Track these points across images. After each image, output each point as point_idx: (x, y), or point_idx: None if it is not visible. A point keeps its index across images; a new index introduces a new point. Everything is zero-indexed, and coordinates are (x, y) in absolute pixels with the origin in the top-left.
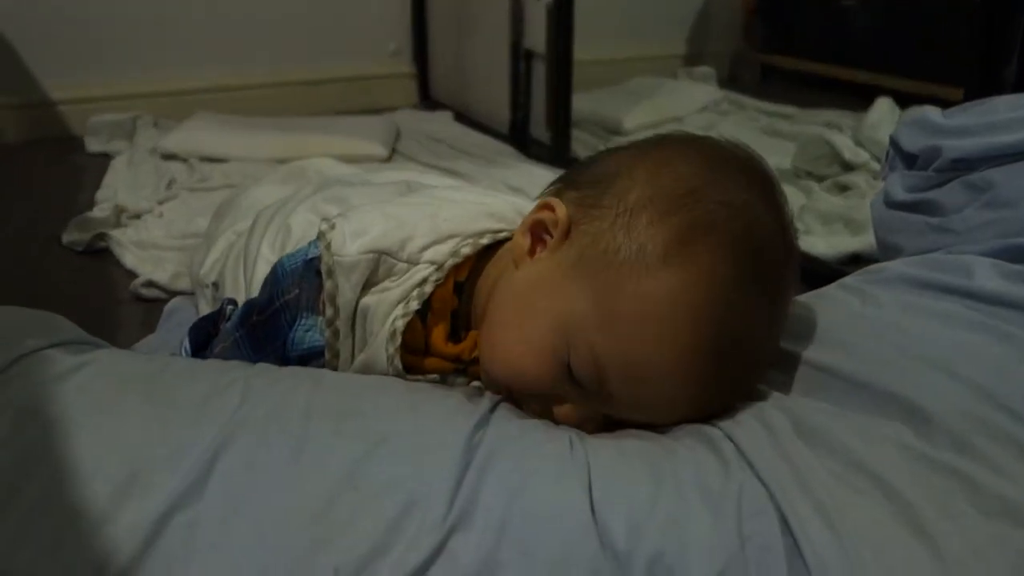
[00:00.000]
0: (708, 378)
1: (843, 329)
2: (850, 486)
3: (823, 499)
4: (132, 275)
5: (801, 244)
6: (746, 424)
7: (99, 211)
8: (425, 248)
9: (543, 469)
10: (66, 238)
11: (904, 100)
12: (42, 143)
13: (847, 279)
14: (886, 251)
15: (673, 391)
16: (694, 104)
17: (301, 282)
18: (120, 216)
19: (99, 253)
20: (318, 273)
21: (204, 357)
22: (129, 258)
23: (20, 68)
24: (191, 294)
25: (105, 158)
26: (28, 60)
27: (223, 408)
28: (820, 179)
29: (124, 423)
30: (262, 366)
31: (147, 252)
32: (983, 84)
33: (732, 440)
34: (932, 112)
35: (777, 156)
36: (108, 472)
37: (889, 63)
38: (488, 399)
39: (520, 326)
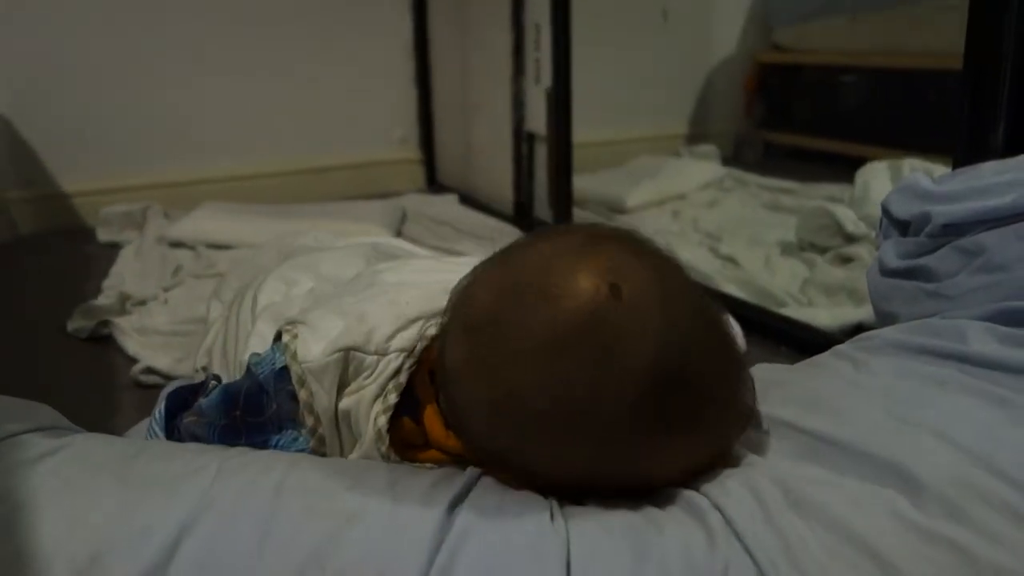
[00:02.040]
0: None
1: (836, 395)
2: (843, 560)
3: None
4: (134, 361)
5: (804, 316)
6: (736, 494)
7: (104, 298)
8: (391, 336)
9: (520, 547)
10: (71, 325)
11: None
12: (55, 234)
13: (841, 347)
14: (883, 319)
15: None
16: (697, 181)
17: (276, 396)
18: (125, 303)
19: (103, 340)
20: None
21: (172, 424)
22: (131, 344)
23: (35, 162)
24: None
25: (115, 248)
26: (42, 155)
27: (193, 488)
28: (823, 251)
29: (91, 504)
30: (240, 448)
31: (149, 338)
32: (971, 151)
33: (720, 511)
34: (922, 178)
35: (780, 230)
36: (70, 553)
37: (887, 136)
38: (471, 472)
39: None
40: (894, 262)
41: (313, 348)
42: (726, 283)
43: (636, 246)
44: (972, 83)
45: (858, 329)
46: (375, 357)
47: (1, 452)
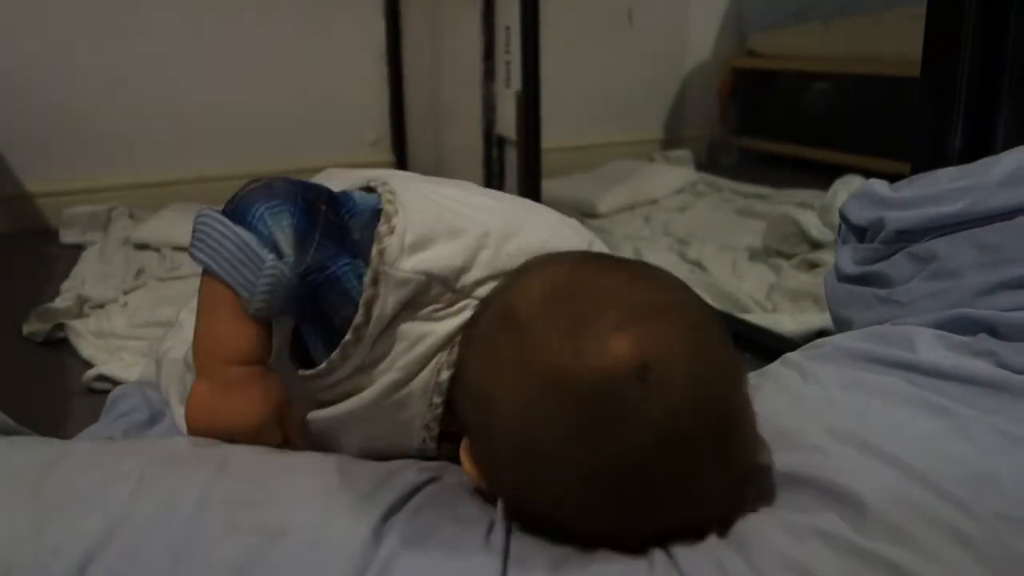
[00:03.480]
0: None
1: (782, 413)
2: None
3: None
4: (89, 365)
5: (768, 322)
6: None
7: (61, 301)
8: (480, 283)
9: (450, 569)
10: (26, 328)
11: (878, 178)
12: (18, 236)
13: (791, 355)
14: (839, 325)
15: None
16: (670, 186)
17: (363, 229)
18: (83, 306)
19: (59, 344)
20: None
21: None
22: (86, 348)
23: None
24: (146, 383)
25: (79, 250)
26: (7, 155)
27: (110, 502)
28: (789, 257)
29: (2, 520)
30: (165, 448)
31: (105, 341)
32: (929, 157)
33: (663, 546)
34: (878, 185)
35: (750, 236)
36: None
37: (859, 142)
38: (414, 474)
39: None
40: (850, 268)
41: (404, 258)
42: (693, 287)
43: (678, 311)
44: (929, 88)
45: (821, 335)
46: (453, 295)
47: None
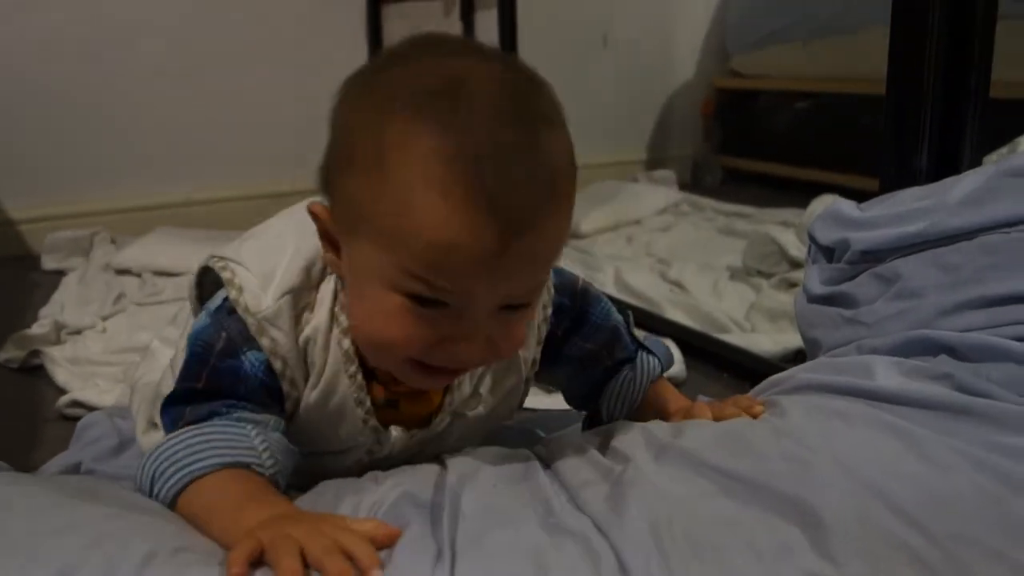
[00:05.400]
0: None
1: (746, 432)
2: None
3: None
4: (64, 391)
5: (746, 343)
6: (635, 535)
7: (38, 327)
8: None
9: None
10: (1, 356)
11: (859, 197)
12: (0, 262)
13: (755, 389)
14: (809, 346)
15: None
16: (652, 207)
17: (219, 328)
18: (59, 332)
19: (35, 370)
20: (229, 312)
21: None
22: (61, 375)
23: None
24: (116, 410)
25: (60, 275)
26: None
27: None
28: (769, 276)
29: None
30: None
31: (80, 368)
32: (896, 176)
33: (617, 554)
34: (845, 205)
35: (731, 255)
36: None
37: (841, 161)
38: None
39: (364, 305)
40: (818, 288)
41: (262, 296)
42: (672, 308)
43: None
44: (895, 106)
45: (799, 354)
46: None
47: None
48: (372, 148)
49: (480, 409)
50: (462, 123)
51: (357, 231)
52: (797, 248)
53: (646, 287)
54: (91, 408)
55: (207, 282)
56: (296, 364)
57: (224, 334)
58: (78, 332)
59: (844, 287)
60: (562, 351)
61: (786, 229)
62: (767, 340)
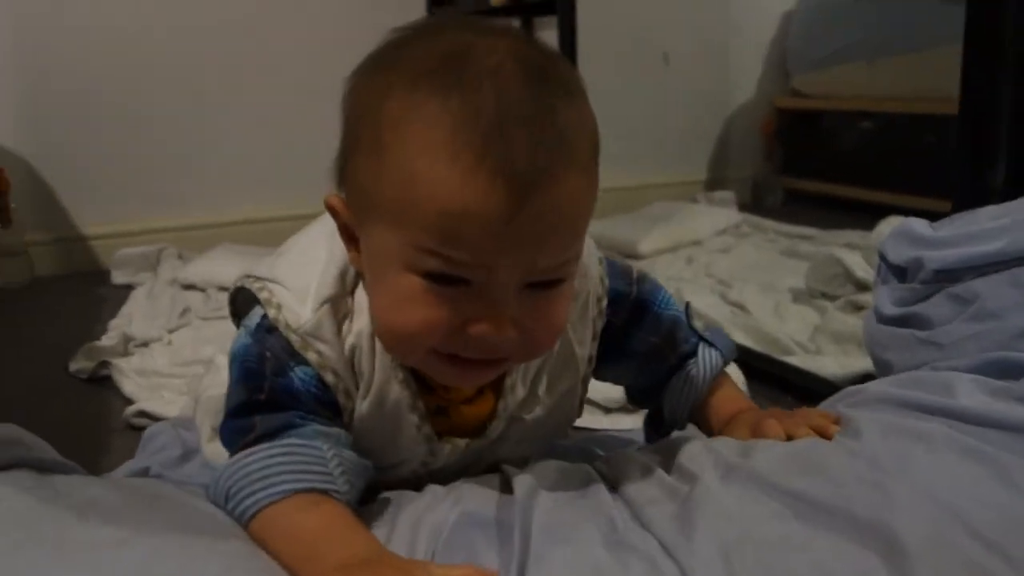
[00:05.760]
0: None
1: (819, 453)
2: None
3: None
4: (131, 402)
5: (811, 365)
6: (705, 559)
7: (107, 339)
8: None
9: None
10: (72, 366)
11: (925, 218)
12: (73, 277)
13: (828, 401)
14: (880, 368)
15: (474, 195)
16: (712, 227)
17: (263, 347)
18: (127, 344)
19: (103, 381)
20: (269, 330)
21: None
22: (128, 385)
23: (54, 206)
24: (180, 421)
25: (129, 290)
26: (63, 198)
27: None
28: (834, 299)
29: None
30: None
31: (147, 379)
32: (969, 194)
33: (683, 574)
34: (917, 223)
35: (794, 277)
36: None
37: (906, 181)
38: None
39: (382, 295)
40: (889, 309)
41: (301, 311)
42: (734, 330)
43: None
44: (970, 124)
45: (866, 378)
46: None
47: None
48: (372, 128)
49: (538, 411)
50: (465, 87)
51: (369, 216)
52: (864, 270)
53: (707, 308)
54: (156, 418)
55: (240, 300)
56: (347, 375)
57: (268, 353)
58: (145, 344)
59: (917, 308)
60: (623, 346)
61: (851, 251)
62: (833, 363)
